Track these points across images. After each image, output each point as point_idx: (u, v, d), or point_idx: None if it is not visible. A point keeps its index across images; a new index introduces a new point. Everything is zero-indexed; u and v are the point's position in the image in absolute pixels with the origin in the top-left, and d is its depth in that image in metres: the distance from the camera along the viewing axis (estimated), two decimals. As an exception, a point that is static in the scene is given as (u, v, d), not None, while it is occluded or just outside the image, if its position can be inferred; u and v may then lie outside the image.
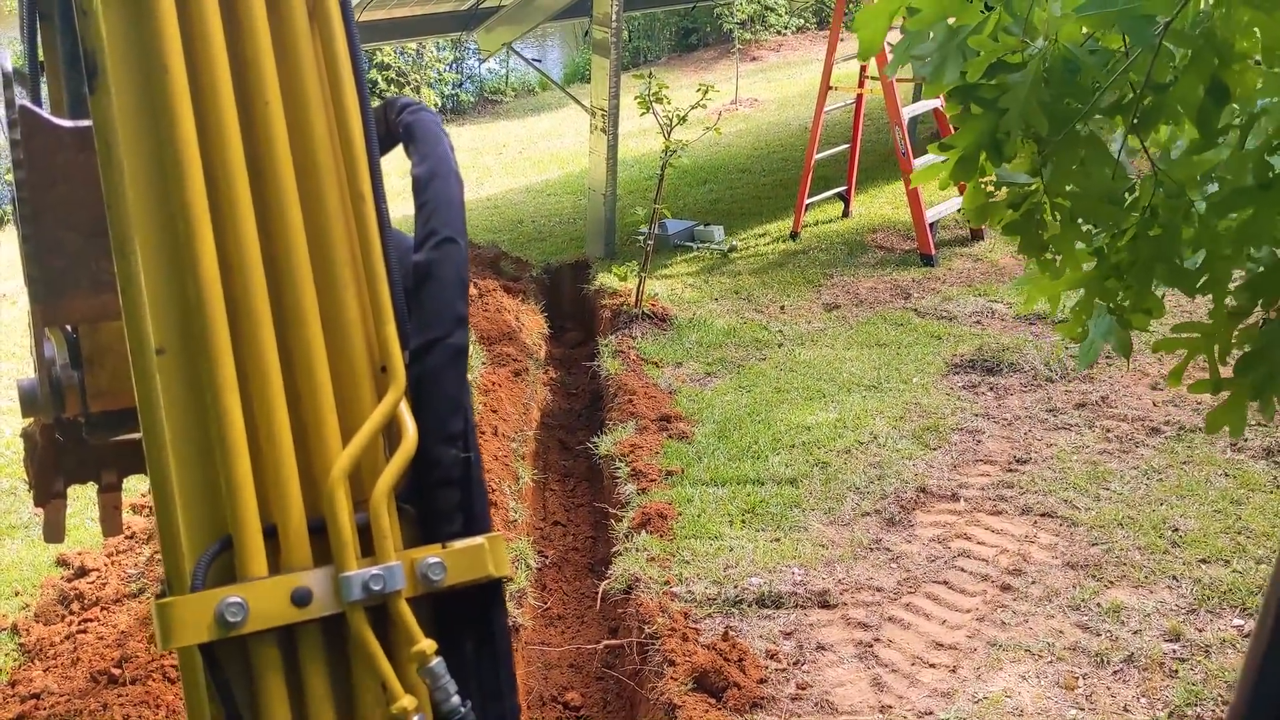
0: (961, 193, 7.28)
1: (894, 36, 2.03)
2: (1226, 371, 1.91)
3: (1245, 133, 1.68)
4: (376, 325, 1.26)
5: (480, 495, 1.29)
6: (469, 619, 1.28)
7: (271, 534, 1.19)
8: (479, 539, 1.25)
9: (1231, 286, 1.84)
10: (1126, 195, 1.78)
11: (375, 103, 1.38)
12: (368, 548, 1.22)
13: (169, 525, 1.17)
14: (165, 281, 1.21)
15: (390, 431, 1.26)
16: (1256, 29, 1.56)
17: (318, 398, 1.22)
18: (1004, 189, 1.88)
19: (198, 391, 1.19)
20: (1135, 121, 1.66)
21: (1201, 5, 1.59)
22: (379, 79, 16.69)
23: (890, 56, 1.96)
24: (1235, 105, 1.68)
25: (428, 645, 1.20)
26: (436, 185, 1.31)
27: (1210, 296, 1.85)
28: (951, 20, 1.72)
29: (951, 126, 1.94)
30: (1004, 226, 1.90)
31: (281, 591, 1.16)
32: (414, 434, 1.24)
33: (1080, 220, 1.82)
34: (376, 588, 1.18)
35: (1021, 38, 1.66)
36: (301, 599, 1.17)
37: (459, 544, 1.25)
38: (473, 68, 19.90)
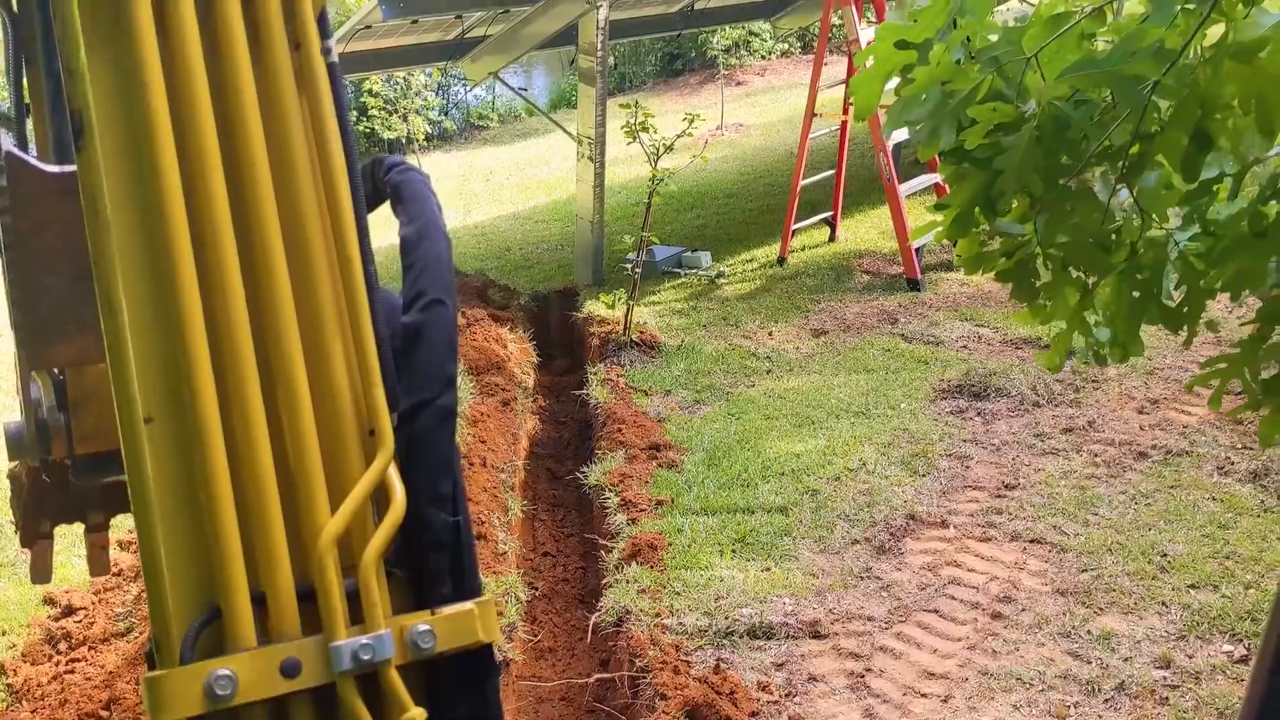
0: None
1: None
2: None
3: (1238, 182, 1.71)
4: (364, 388, 1.26)
5: (470, 559, 1.29)
6: (459, 685, 1.28)
7: (260, 601, 1.19)
8: (468, 604, 1.25)
9: (1238, 318, 1.89)
10: (1113, 237, 1.82)
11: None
12: (357, 613, 1.21)
13: (158, 593, 1.17)
14: (153, 344, 1.21)
15: (378, 495, 1.26)
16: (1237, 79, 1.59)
17: (306, 463, 1.22)
18: (998, 238, 1.91)
19: (186, 458, 1.19)
20: (1124, 169, 1.69)
21: (1186, 59, 1.61)
22: (368, 104, 16.73)
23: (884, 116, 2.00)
24: (1225, 156, 1.71)
25: (418, 714, 1.19)
26: (425, 246, 1.31)
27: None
28: (944, 84, 1.74)
29: (945, 183, 1.97)
30: (998, 274, 1.93)
31: (271, 663, 1.16)
32: (403, 499, 1.24)
33: (1070, 268, 1.85)
34: (366, 657, 1.18)
35: (1016, 104, 1.69)
36: (291, 670, 1.16)
37: (448, 610, 1.24)
38: (459, 94, 19.97)
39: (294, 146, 1.26)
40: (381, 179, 1.40)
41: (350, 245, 1.27)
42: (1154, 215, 1.80)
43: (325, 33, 1.30)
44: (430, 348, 1.28)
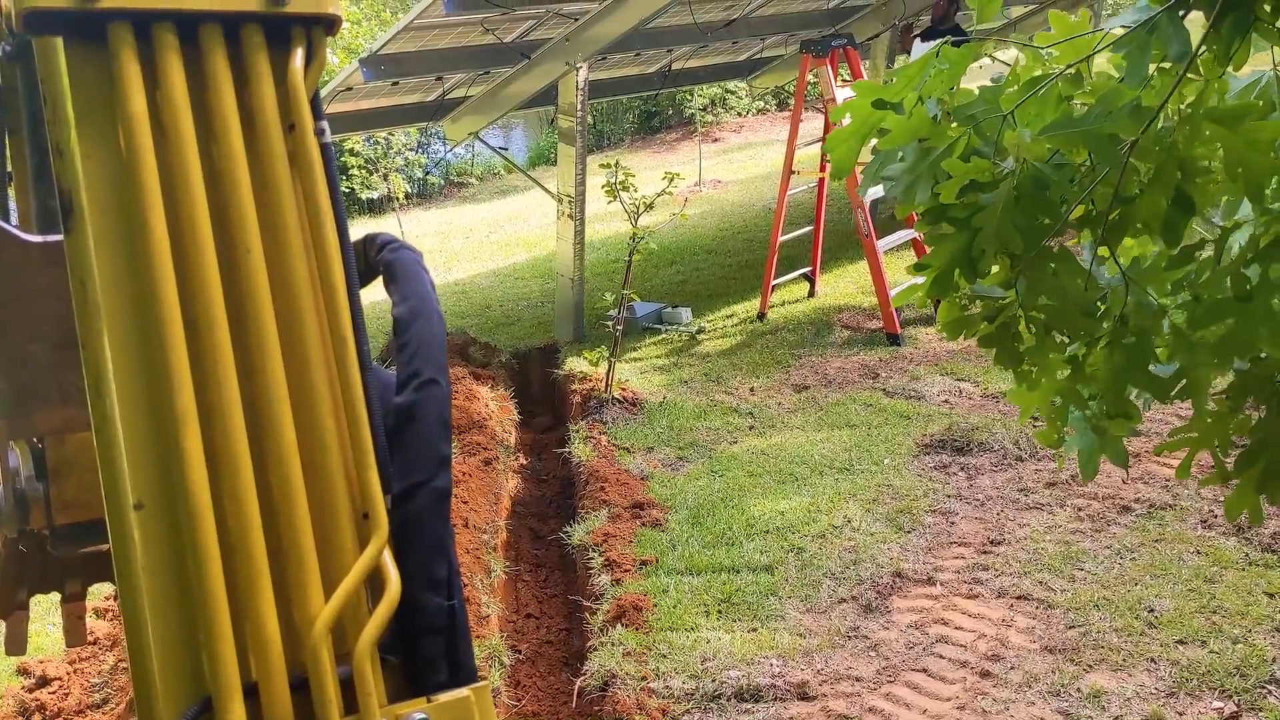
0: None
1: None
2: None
3: (1220, 245, 1.72)
4: (358, 471, 1.25)
5: (465, 643, 1.27)
6: None
7: (252, 692, 1.16)
8: (464, 691, 1.23)
9: (1214, 388, 1.89)
10: (1099, 304, 1.82)
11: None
12: (351, 702, 1.19)
13: (145, 684, 1.14)
14: (143, 428, 1.19)
15: (372, 580, 1.24)
16: (1219, 143, 1.61)
17: (300, 547, 1.20)
18: (979, 302, 1.91)
19: (176, 545, 1.16)
20: (1103, 233, 1.70)
21: (1162, 122, 1.64)
22: (349, 163, 16.80)
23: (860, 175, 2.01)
24: (1208, 219, 1.72)
25: (414, 805, 1.17)
26: (419, 325, 1.31)
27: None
28: (922, 140, 1.75)
29: (923, 243, 1.98)
30: (980, 339, 1.92)
31: None
32: (397, 584, 1.22)
33: (1054, 333, 1.85)
34: None
35: (993, 160, 1.70)
36: None
37: (444, 697, 1.22)
38: (439, 152, 20.09)
39: (288, 228, 1.26)
40: (374, 257, 1.40)
41: (344, 325, 1.26)
42: (1142, 286, 1.80)
43: (319, 114, 1.31)
44: (424, 428, 1.27)
